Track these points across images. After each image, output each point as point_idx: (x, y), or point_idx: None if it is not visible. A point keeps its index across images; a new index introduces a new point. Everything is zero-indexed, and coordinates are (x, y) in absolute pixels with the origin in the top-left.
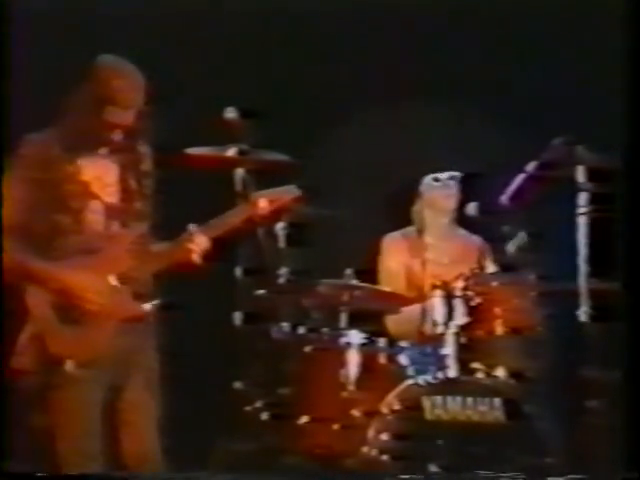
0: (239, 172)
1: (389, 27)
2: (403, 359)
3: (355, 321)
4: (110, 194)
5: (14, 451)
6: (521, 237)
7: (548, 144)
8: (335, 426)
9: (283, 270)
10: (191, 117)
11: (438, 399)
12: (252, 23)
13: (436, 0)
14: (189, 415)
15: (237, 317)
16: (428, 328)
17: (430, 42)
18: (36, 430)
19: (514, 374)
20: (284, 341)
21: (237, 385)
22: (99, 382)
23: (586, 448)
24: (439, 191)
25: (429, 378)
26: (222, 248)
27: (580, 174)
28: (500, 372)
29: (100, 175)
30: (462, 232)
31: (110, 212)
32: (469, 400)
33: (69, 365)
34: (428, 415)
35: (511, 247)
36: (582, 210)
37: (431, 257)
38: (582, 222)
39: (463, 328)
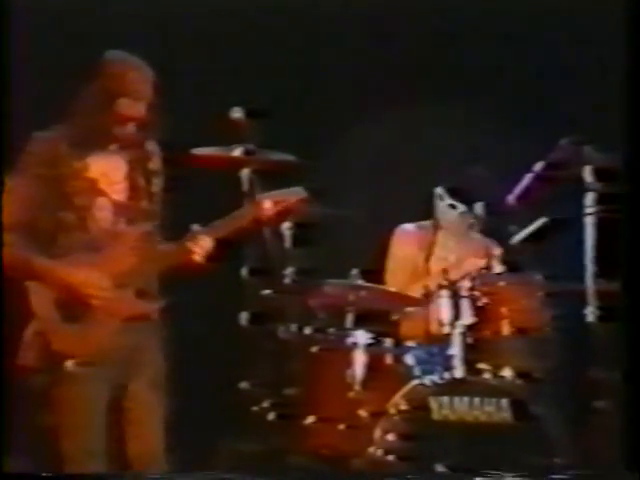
0: (245, 172)
1: (397, 27)
2: (410, 359)
3: (361, 321)
4: (117, 191)
5: (16, 450)
6: (539, 224)
7: (555, 144)
8: (341, 426)
9: (289, 270)
10: (197, 117)
11: (445, 399)
12: (259, 22)
13: (446, 1)
14: (195, 415)
15: (243, 317)
16: (435, 328)
17: (438, 43)
18: (40, 429)
19: (521, 374)
20: (290, 341)
21: (243, 385)
22: (103, 380)
23: (594, 448)
24: (452, 218)
25: (436, 378)
26: (228, 248)
27: (587, 174)
28: (507, 372)
29: (108, 172)
30: (475, 235)
31: (117, 209)
32: (476, 400)
33: (71, 363)
34: (435, 415)
35: (525, 233)
36: (589, 210)
37: (441, 253)
38: (589, 222)
39: (470, 328)
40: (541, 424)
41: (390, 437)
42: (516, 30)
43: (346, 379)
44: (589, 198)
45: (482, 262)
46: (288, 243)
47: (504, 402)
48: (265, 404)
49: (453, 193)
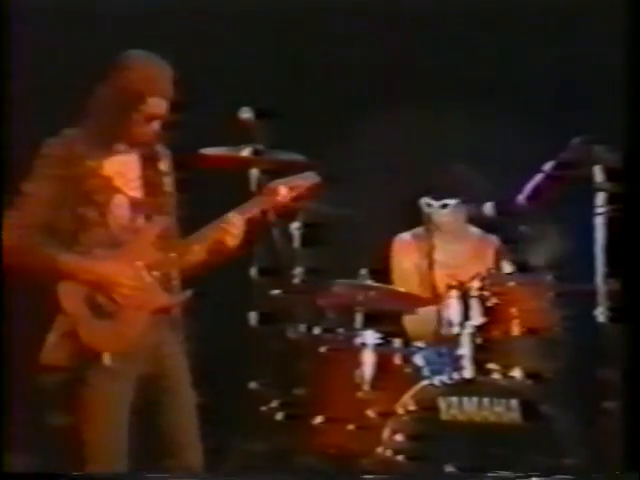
0: (254, 172)
1: (405, 27)
2: (419, 360)
3: (370, 321)
4: (134, 188)
5: (29, 448)
6: (554, 243)
7: (566, 144)
8: (350, 426)
9: (298, 270)
10: (206, 117)
11: (454, 400)
12: (267, 22)
13: (452, 1)
14: (204, 414)
15: (252, 317)
16: (444, 328)
17: (446, 42)
18: (65, 427)
19: (531, 375)
20: (299, 341)
21: (252, 385)
22: (131, 376)
23: (605, 449)
24: (434, 215)
25: (445, 379)
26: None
27: (598, 174)
28: (516, 373)
29: (122, 170)
30: (476, 232)
31: (134, 206)
32: (485, 401)
33: (106, 358)
34: (444, 416)
35: (541, 250)
36: (600, 210)
37: (442, 259)
38: (600, 222)
39: (479, 328)
40: (551, 424)
41: (399, 437)
42: (528, 29)
43: (355, 379)
44: (600, 198)
45: (491, 260)
46: (297, 243)
47: (513, 402)
48: (274, 404)
49: (438, 192)
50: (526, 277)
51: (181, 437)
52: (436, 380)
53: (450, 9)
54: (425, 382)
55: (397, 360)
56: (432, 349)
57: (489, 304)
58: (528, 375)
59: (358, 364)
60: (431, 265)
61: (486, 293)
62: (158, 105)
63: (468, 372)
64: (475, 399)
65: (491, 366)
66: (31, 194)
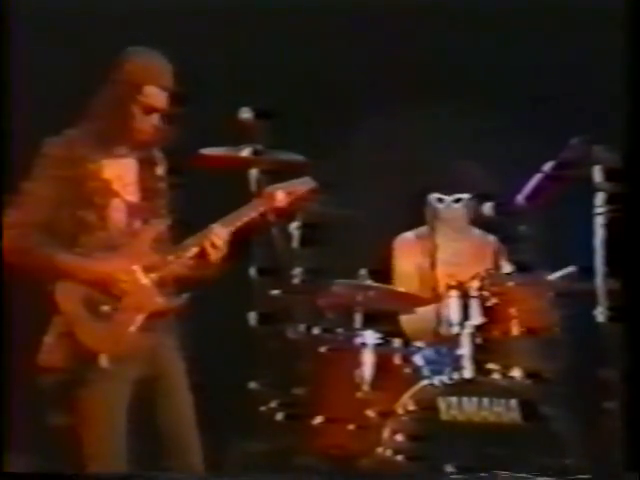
0: (254, 172)
1: (405, 27)
2: (418, 359)
3: (370, 321)
4: (131, 193)
5: (28, 449)
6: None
7: (566, 143)
8: (350, 426)
9: (298, 270)
10: (206, 117)
11: (453, 400)
12: (267, 22)
13: (451, 1)
14: (203, 415)
15: (252, 317)
16: (443, 328)
17: (446, 42)
18: (63, 428)
19: (530, 375)
20: (299, 341)
21: (252, 385)
22: (127, 377)
23: (605, 449)
24: (443, 211)
25: (444, 379)
26: (239, 245)
27: (598, 174)
28: (516, 373)
29: (121, 174)
30: (477, 232)
31: (131, 210)
32: (485, 401)
33: (103, 359)
34: (443, 416)
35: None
36: (599, 210)
37: (444, 257)
38: (599, 222)
39: (479, 328)
40: (550, 424)
41: (398, 437)
42: (528, 29)
43: (354, 379)
44: (599, 198)
45: (490, 260)
46: (296, 243)
47: (513, 402)
48: (273, 404)
49: (443, 187)
50: (526, 277)
51: (180, 438)
52: (436, 380)
53: (450, 8)
54: (425, 382)
55: (397, 360)
56: (432, 349)
57: (489, 304)
58: (528, 375)
59: (358, 364)
60: (434, 264)
61: (486, 293)
62: (156, 95)
63: (468, 372)
64: (475, 399)
65: (491, 366)
66: (31, 194)
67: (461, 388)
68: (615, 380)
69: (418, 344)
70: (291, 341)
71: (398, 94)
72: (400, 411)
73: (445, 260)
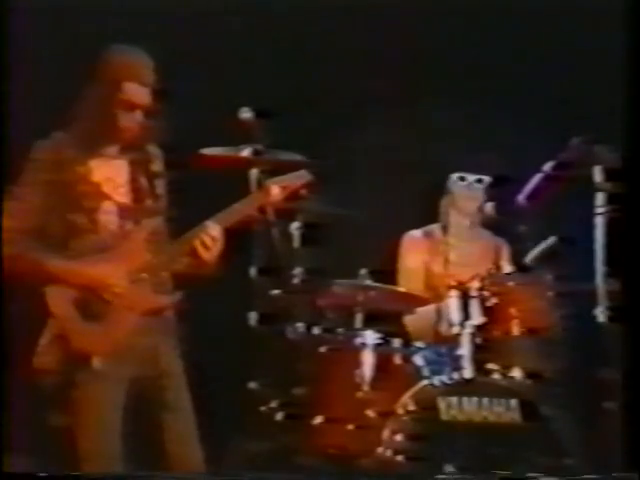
0: (254, 172)
1: (405, 25)
2: (418, 360)
3: (370, 321)
4: (122, 194)
5: (27, 450)
6: (550, 242)
7: (566, 143)
8: (350, 426)
9: (298, 270)
10: (206, 117)
11: (453, 400)
12: (266, 22)
13: (455, 2)
14: (203, 414)
15: (252, 317)
16: (444, 328)
17: (446, 41)
18: (55, 429)
19: (530, 375)
20: (299, 341)
21: (252, 385)
22: (122, 378)
23: (605, 449)
24: (463, 191)
25: (444, 379)
26: (236, 245)
27: (598, 174)
28: (516, 373)
29: (111, 176)
30: (484, 233)
31: (123, 212)
32: (485, 401)
33: (96, 361)
34: (443, 416)
35: (537, 251)
36: (600, 210)
37: (452, 257)
38: (600, 222)
39: (479, 328)
40: (550, 425)
41: (398, 437)
42: (529, 29)
43: (355, 379)
44: (599, 198)
45: (493, 261)
46: (297, 243)
47: (513, 402)
48: (273, 404)
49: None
50: (526, 277)
51: (180, 437)
52: (436, 380)
53: (450, 8)
54: (425, 382)
55: (397, 360)
56: (432, 349)
57: (489, 304)
58: (528, 375)
59: (358, 364)
60: (444, 263)
61: (486, 293)
62: (136, 91)
63: (468, 372)
64: (475, 399)
65: (491, 366)
66: (21, 198)
67: (461, 388)
68: (615, 380)
69: (418, 344)
70: (291, 341)
71: (398, 94)
72: (400, 411)
73: (453, 260)
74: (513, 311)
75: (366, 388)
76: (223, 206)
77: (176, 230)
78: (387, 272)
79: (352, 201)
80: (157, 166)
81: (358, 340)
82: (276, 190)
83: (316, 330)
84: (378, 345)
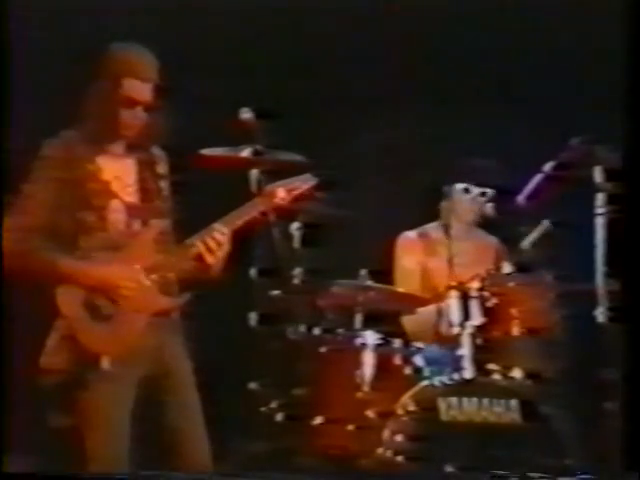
0: (254, 173)
1: (406, 27)
2: (418, 360)
3: (370, 322)
4: (130, 194)
5: (30, 450)
6: (544, 227)
7: (566, 143)
8: (350, 427)
9: (298, 271)
10: (206, 117)
11: (454, 400)
12: (267, 22)
13: (455, 2)
14: (204, 415)
15: (252, 318)
16: (444, 329)
17: (446, 41)
18: (66, 429)
19: (531, 375)
20: (299, 342)
21: (252, 386)
22: (131, 378)
23: (605, 450)
24: (465, 202)
25: (445, 379)
26: (239, 246)
27: (598, 174)
28: (517, 373)
29: (119, 175)
30: (479, 232)
31: (131, 211)
32: (485, 401)
33: (105, 362)
34: (443, 416)
35: (532, 237)
36: (600, 210)
37: (448, 257)
38: (600, 222)
39: (479, 329)
40: (551, 425)
41: (399, 438)
42: (530, 30)
43: (355, 380)
44: (599, 198)
45: (492, 261)
46: (297, 243)
47: (513, 402)
48: (274, 404)
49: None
50: (526, 277)
51: (188, 436)
52: (436, 380)
53: (450, 7)
54: (425, 382)
55: (397, 360)
56: (432, 349)
57: (489, 304)
58: (528, 375)
59: (358, 364)
60: (441, 263)
61: (486, 293)
62: (136, 88)
63: (468, 372)
64: (475, 399)
65: (491, 366)
66: (30, 196)
67: (461, 388)
68: (615, 380)
69: (418, 344)
70: (291, 341)
71: (398, 94)
72: (400, 411)
73: (451, 260)
74: (513, 311)
75: (366, 388)
76: (223, 207)
77: (177, 231)
78: (387, 272)
79: (352, 201)
80: (162, 168)
81: (358, 340)
82: (282, 194)
83: (316, 330)
84: (378, 345)
